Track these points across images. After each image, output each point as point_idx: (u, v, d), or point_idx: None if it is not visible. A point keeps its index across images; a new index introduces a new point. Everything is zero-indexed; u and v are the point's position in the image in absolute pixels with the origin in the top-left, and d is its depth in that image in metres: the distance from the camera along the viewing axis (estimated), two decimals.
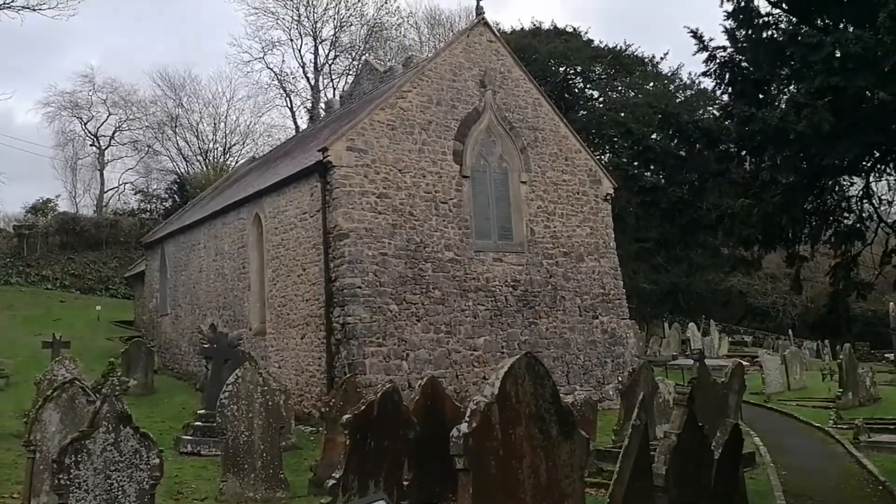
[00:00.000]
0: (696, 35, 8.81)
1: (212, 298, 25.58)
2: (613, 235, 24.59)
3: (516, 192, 22.15)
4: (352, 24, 57.06)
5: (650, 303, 43.59)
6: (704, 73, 9.13)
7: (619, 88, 48.60)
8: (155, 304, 31.49)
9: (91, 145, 64.39)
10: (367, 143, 19.35)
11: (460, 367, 19.33)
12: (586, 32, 48.82)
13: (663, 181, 9.31)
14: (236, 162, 58.80)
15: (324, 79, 58.47)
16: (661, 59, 48.09)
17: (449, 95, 21.13)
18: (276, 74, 59.56)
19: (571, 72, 48.15)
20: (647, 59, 48.05)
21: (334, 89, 57.16)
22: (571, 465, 5.38)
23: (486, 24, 22.92)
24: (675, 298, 44.80)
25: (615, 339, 23.49)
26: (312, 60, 57.38)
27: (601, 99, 49.35)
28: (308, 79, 58.25)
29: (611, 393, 21.34)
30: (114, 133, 63.27)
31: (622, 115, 44.61)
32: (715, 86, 8.91)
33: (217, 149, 63.73)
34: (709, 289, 51.41)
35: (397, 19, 59.28)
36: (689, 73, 51.79)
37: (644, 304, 43.36)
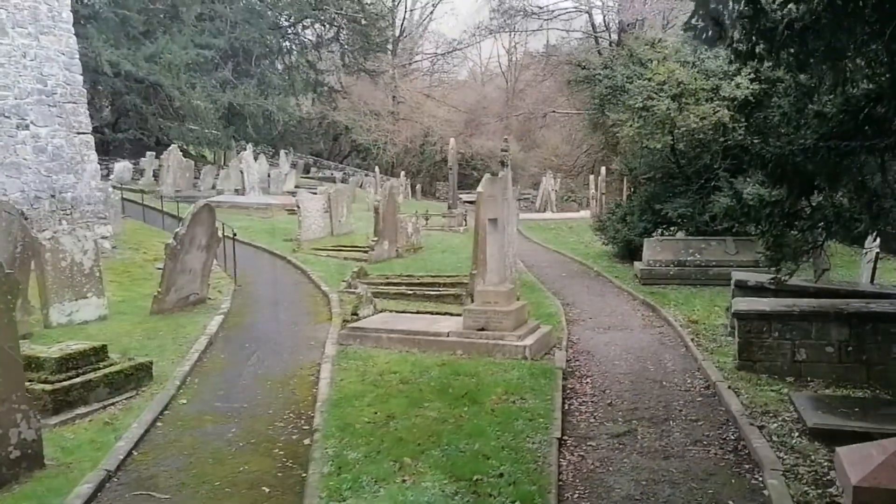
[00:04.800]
0: None
1: None
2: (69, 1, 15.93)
3: None
4: None
5: (211, 124, 35.68)
6: None
7: None
8: None
9: None
10: None
11: None
12: None
13: None
14: None
15: None
16: None
17: None
18: None
19: None
20: None
21: None
22: None
23: None
24: (243, 121, 37.42)
25: (62, 164, 15.45)
26: None
27: None
28: None
29: None
30: None
31: None
32: None
33: None
34: (294, 118, 45.30)
35: None
36: None
37: (206, 125, 35.55)
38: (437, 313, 12.10)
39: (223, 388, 8.56)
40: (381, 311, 12.27)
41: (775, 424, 6.79)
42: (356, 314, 11.89)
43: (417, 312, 12.28)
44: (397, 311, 12.35)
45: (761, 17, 6.12)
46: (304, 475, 5.99)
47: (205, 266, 13.04)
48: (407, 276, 15.96)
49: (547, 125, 50.58)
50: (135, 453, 6.65)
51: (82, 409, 7.60)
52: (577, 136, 42.08)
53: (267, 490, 5.79)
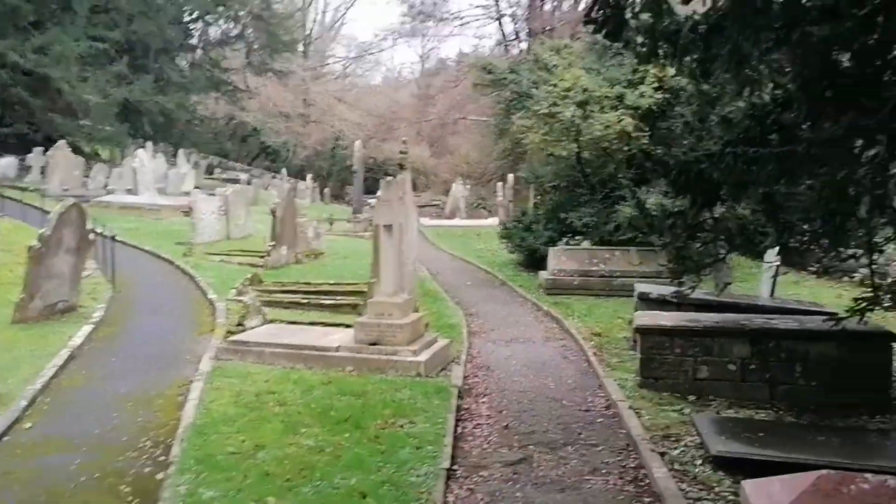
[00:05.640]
0: None
1: None
2: None
3: None
4: None
5: (104, 120, 33.50)
6: None
7: None
8: None
9: None
10: None
11: None
12: None
13: None
14: None
15: None
16: None
17: None
18: None
19: None
20: None
21: None
22: None
23: None
24: (139, 118, 35.40)
25: None
26: None
27: None
28: None
29: None
30: None
31: None
32: None
33: None
34: (197, 117, 43.38)
35: None
36: None
37: (99, 121, 33.39)
38: (330, 324, 11.34)
39: (77, 410, 7.57)
40: (270, 322, 11.43)
41: (677, 451, 6.37)
42: (242, 325, 11.01)
43: (311, 324, 11.49)
44: (288, 322, 11.52)
45: (665, 17, 5.72)
46: None
47: (74, 270, 11.84)
48: (304, 283, 15.08)
49: (458, 132, 50.36)
50: None
51: None
52: (487, 143, 41.96)
53: None
